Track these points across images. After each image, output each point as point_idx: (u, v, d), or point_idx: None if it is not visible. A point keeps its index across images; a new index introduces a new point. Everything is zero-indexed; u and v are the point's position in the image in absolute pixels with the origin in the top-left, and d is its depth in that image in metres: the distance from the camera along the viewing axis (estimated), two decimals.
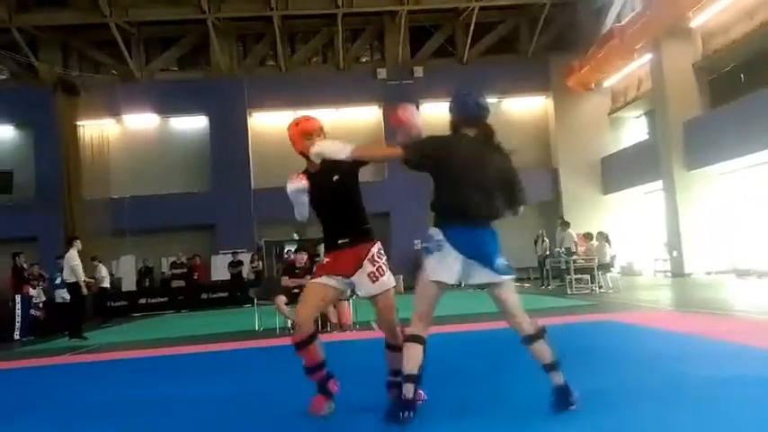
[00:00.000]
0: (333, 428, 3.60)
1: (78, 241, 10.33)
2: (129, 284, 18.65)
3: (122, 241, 18.65)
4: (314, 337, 3.66)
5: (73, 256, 10.29)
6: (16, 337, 12.04)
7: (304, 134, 3.84)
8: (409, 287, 19.32)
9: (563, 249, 14.89)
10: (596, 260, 13.36)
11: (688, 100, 16.94)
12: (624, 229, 19.52)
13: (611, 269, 14.03)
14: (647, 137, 20.48)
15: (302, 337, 3.63)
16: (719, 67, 16.80)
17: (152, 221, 19.18)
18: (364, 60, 22.71)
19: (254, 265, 18.96)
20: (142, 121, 21.28)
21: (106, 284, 15.52)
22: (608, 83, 20.94)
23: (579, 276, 13.65)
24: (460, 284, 3.58)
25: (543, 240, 16.71)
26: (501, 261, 3.47)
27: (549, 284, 15.65)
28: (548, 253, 16.39)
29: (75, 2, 19.11)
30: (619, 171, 20.50)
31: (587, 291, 13.22)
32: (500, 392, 4.14)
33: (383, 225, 21.52)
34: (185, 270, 18.34)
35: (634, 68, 19.22)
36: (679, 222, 16.67)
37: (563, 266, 14.24)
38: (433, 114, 23.75)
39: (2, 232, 18.31)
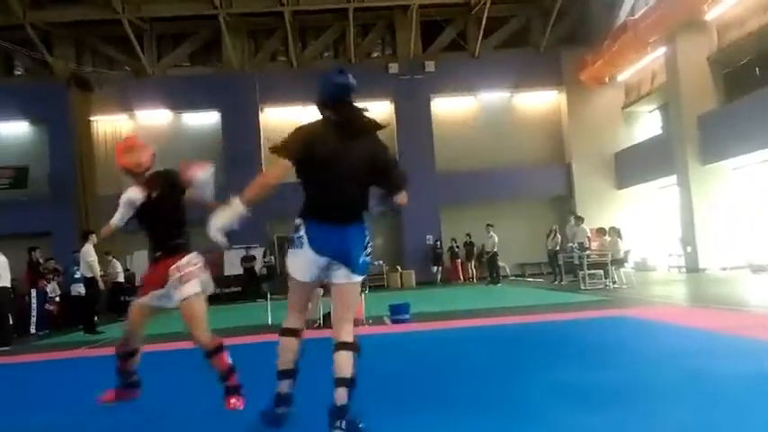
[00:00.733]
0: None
1: (94, 236, 10.36)
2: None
3: (135, 236, 18.72)
4: (137, 351, 4.16)
5: (88, 251, 10.34)
6: (32, 330, 12.17)
7: (125, 150, 4.10)
8: (421, 282, 19.26)
9: (576, 244, 14.80)
10: (610, 255, 13.27)
11: (702, 94, 16.75)
12: (638, 224, 19.39)
13: (625, 264, 13.94)
14: (660, 131, 20.30)
15: (126, 351, 4.11)
16: (734, 61, 16.60)
17: None
18: (375, 55, 22.67)
19: (266, 260, 19.04)
20: (155, 117, 21.38)
21: (120, 279, 15.60)
22: (621, 77, 20.75)
23: (593, 272, 13.57)
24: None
25: (555, 235, 16.60)
26: (364, 260, 3.21)
27: (561, 280, 15.57)
28: (558, 248, 16.30)
29: None
30: (633, 166, 20.34)
31: (601, 286, 13.14)
32: (513, 387, 4.12)
33: (394, 220, 21.51)
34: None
35: (648, 62, 19.03)
36: (693, 217, 16.52)
37: (576, 262, 14.16)
38: (446, 109, 23.89)
39: (17, 227, 18.47)
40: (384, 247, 21.78)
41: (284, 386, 3.22)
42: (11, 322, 10.32)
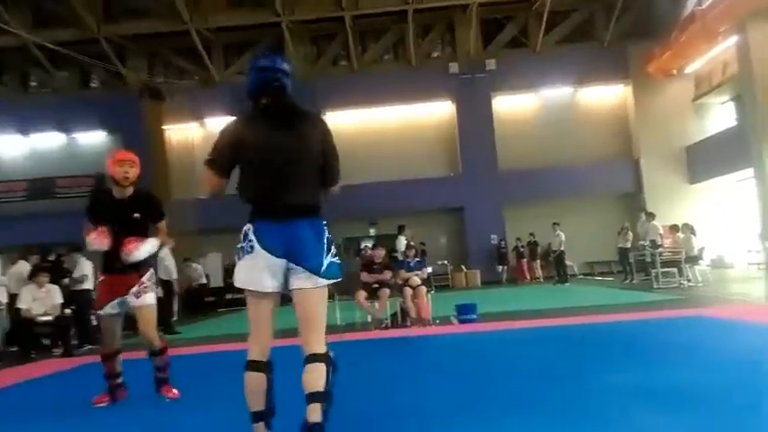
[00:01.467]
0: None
1: (171, 240, 10.82)
2: (215, 281, 19.41)
3: (209, 239, 19.40)
4: (119, 352, 4.60)
5: (167, 255, 10.81)
6: None
7: (117, 161, 4.49)
8: (486, 282, 19.20)
9: (647, 242, 14.40)
10: (683, 253, 12.86)
11: None
12: (713, 219, 18.68)
13: (700, 262, 13.48)
14: (735, 123, 19.49)
15: (108, 353, 4.55)
16: None
17: (235, 220, 19.76)
18: (435, 55, 22.67)
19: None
20: (223, 124, 21.93)
21: (203, 281, 16.18)
22: (690, 68, 20.01)
23: (666, 270, 13.19)
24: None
25: (627, 232, 16.16)
26: (325, 260, 2.83)
27: (633, 279, 15.19)
28: (629, 246, 15.88)
29: (158, 11, 20.00)
30: (706, 159, 19.59)
31: (675, 285, 12.75)
32: (585, 388, 4.10)
33: (457, 220, 21.48)
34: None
35: (718, 52, 18.29)
36: None
37: (648, 259, 13.78)
38: (508, 107, 23.68)
39: None
40: (448, 246, 21.80)
41: (259, 430, 2.77)
42: (94, 323, 10.90)
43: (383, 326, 9.09)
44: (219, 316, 15.64)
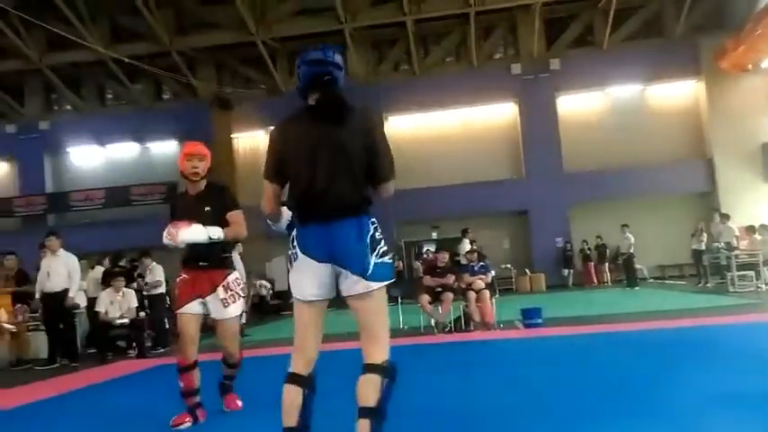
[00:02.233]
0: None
1: (240, 245, 11.09)
2: (281, 284, 19.82)
3: (274, 243, 19.82)
4: (195, 365, 4.13)
5: (236, 260, 11.09)
6: None
7: (185, 156, 4.18)
8: (552, 286, 18.85)
9: (722, 244, 13.82)
10: (761, 255, 12.28)
11: None
12: None
13: None
14: None
15: (185, 364, 4.11)
16: None
17: None
18: (498, 57, 22.43)
19: (394, 264, 19.44)
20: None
21: (266, 293, 16.74)
22: (766, 63, 19.09)
23: (742, 273, 12.62)
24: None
25: (702, 234, 15.50)
26: (373, 261, 2.60)
27: (707, 282, 14.59)
28: (704, 248, 15.24)
29: (226, 23, 20.62)
30: None
31: (752, 288, 12.19)
32: (662, 394, 3.98)
33: (521, 223, 21.18)
34: None
35: None
36: None
37: (723, 262, 13.21)
38: (572, 107, 23.20)
39: None
40: (512, 250, 21.50)
41: None
42: (167, 326, 11.32)
43: (446, 330, 9.08)
44: (282, 319, 15.95)
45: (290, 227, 2.80)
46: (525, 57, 21.30)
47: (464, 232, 14.52)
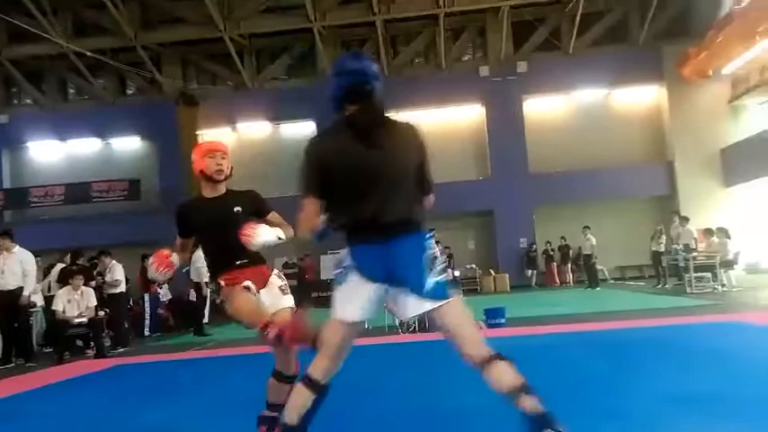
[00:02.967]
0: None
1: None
2: None
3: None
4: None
5: (199, 257, 10.96)
6: (146, 333, 13.05)
7: (207, 153, 3.67)
8: (516, 286, 19.02)
9: (681, 246, 14.14)
10: (718, 257, 12.59)
11: None
12: (750, 223, 18.23)
13: (735, 267, 13.18)
14: None
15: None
16: None
17: None
18: (466, 59, 22.58)
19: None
20: (255, 129, 22.33)
21: None
22: (727, 69, 19.57)
23: (700, 274, 12.93)
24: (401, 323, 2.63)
25: (660, 236, 15.85)
26: (432, 280, 2.51)
27: (665, 283, 14.91)
28: (663, 250, 15.57)
29: (192, 18, 20.33)
30: (742, 162, 19.12)
31: (709, 290, 12.49)
32: (621, 394, 4.04)
33: (486, 224, 21.35)
34: (296, 270, 19.04)
35: (757, 53, 17.86)
36: None
37: (681, 264, 13.52)
38: (539, 110, 23.48)
39: (131, 236, 19.72)
40: (477, 250, 21.67)
41: None
42: (126, 325, 11.13)
43: (411, 330, 9.09)
44: None
45: (321, 235, 2.61)
46: (493, 59, 21.49)
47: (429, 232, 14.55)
